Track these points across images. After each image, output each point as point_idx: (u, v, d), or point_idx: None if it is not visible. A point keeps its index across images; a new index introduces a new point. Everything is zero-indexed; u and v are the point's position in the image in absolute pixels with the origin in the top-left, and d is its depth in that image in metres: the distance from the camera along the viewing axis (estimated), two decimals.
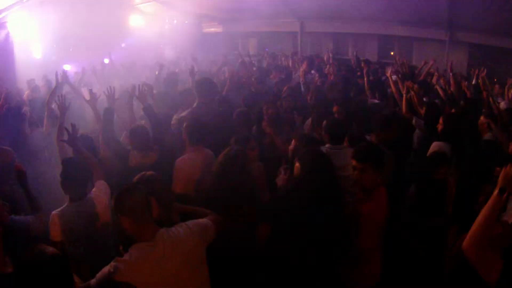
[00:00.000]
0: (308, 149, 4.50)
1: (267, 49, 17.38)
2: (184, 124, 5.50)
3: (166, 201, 3.75)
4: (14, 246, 3.17)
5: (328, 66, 12.32)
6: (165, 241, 3.28)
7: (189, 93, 7.28)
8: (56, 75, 7.65)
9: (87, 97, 6.38)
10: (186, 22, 16.18)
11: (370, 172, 4.20)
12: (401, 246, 4.88)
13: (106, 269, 3.13)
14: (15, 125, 6.74)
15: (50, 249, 2.76)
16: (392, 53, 15.85)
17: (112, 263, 3.14)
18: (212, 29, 19.54)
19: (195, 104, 6.72)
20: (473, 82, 9.71)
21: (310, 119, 6.74)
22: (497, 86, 10.74)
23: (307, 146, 5.04)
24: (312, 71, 11.84)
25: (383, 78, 11.18)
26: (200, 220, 3.66)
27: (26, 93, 10.55)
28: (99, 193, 4.41)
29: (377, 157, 4.26)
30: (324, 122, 5.62)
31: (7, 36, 13.30)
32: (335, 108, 6.91)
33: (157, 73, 10.38)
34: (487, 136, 6.35)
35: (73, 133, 4.73)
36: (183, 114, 6.52)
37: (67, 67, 12.56)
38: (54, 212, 4.17)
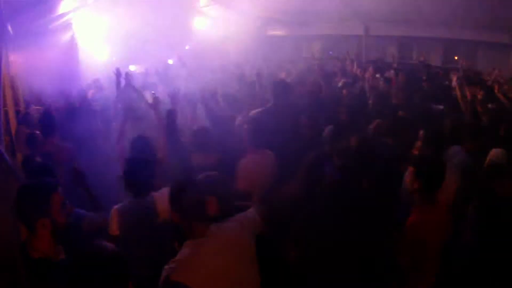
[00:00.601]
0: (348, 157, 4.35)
1: (331, 52, 17.21)
2: (245, 126, 5.50)
3: (227, 201, 3.68)
4: (73, 239, 3.17)
5: (392, 70, 12.13)
6: (216, 237, 3.20)
7: (256, 96, 7.25)
8: (124, 75, 7.79)
9: (150, 100, 6.43)
10: (250, 25, 16.18)
11: (411, 178, 4.08)
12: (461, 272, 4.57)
13: (163, 275, 3.06)
14: (87, 123, 6.88)
15: (110, 245, 2.74)
16: (456, 57, 15.39)
17: (166, 267, 3.08)
18: (276, 32, 19.45)
19: (269, 105, 6.67)
20: None
21: (375, 122, 6.56)
22: None
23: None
24: (377, 75, 11.64)
25: (447, 83, 10.87)
26: (247, 213, 3.56)
27: (90, 92, 10.80)
28: (163, 194, 4.40)
29: (421, 166, 4.06)
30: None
31: (72, 37, 13.75)
32: (400, 114, 6.79)
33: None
34: None
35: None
36: (251, 114, 6.48)
37: (132, 68, 12.85)
38: (115, 206, 4.27)
